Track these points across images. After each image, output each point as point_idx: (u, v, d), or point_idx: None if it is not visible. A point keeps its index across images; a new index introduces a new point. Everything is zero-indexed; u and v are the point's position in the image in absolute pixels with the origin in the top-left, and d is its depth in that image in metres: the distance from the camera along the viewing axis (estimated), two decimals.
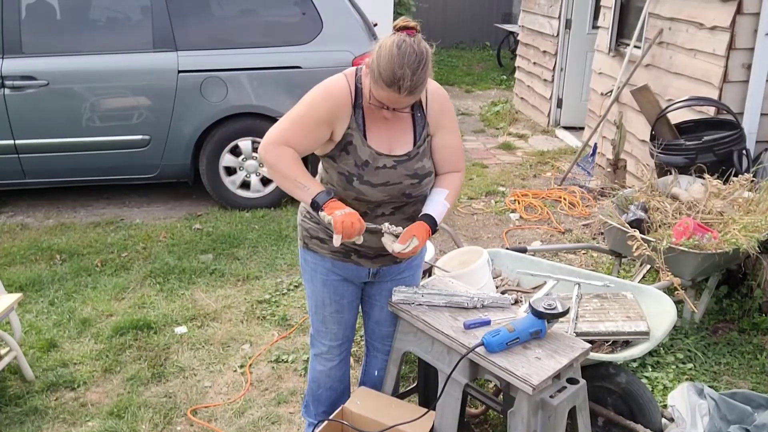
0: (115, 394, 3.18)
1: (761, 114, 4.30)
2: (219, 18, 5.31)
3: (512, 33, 11.55)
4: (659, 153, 4.14)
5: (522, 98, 8.63)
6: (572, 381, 2.15)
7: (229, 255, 4.55)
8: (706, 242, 3.29)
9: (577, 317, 2.73)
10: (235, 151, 5.21)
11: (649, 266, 3.84)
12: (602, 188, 4.99)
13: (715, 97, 4.34)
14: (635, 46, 5.46)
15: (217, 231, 4.90)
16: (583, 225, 5.11)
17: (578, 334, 2.64)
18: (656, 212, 3.63)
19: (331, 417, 2.45)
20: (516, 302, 2.85)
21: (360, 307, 2.62)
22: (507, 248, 3.41)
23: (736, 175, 3.76)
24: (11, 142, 4.94)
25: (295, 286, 4.11)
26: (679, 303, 3.28)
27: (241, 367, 3.39)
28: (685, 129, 4.36)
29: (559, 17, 7.41)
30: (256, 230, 4.91)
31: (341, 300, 2.48)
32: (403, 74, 2.01)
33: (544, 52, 7.86)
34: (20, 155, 4.99)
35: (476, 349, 2.14)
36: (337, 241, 2.15)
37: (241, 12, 5.32)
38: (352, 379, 2.81)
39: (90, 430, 2.96)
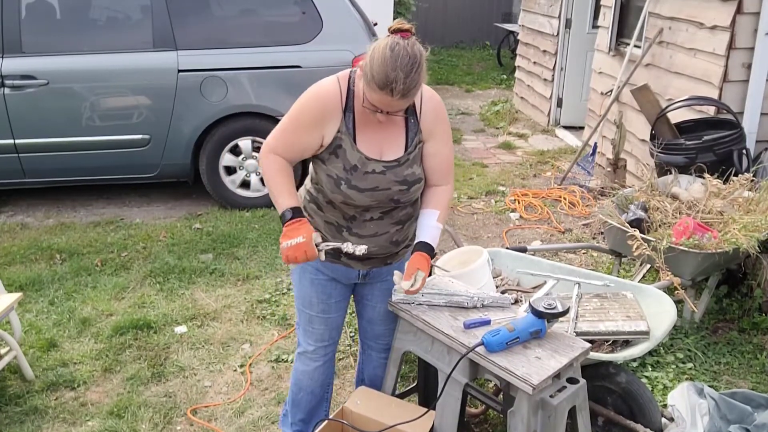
0: (115, 393, 3.18)
1: (761, 113, 4.30)
2: (219, 17, 5.31)
3: (512, 32, 11.55)
4: (659, 152, 4.14)
5: (522, 98, 8.63)
6: (572, 381, 2.15)
7: (229, 255, 4.55)
8: (706, 242, 3.29)
9: (577, 317, 2.73)
10: (235, 151, 5.21)
11: (649, 266, 3.84)
12: (602, 188, 4.99)
13: (715, 96, 4.34)
14: (635, 46, 5.46)
15: (217, 231, 4.90)
16: (583, 225, 5.11)
17: (578, 334, 2.64)
18: (656, 212, 3.63)
19: (331, 417, 2.45)
20: (516, 302, 2.85)
21: (355, 306, 2.62)
22: (507, 248, 3.41)
23: (736, 175, 3.76)
24: (11, 141, 4.94)
25: None
26: (679, 303, 3.28)
27: (241, 366, 3.39)
28: (685, 128, 4.36)
29: (559, 17, 7.41)
30: (256, 230, 4.91)
31: (329, 300, 2.46)
32: (396, 77, 1.99)
33: (544, 51, 7.86)
34: (20, 155, 4.99)
35: (476, 349, 2.14)
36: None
37: (241, 11, 5.32)
38: (349, 378, 2.81)
39: (90, 429, 2.96)
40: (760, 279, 3.51)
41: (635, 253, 3.34)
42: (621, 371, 2.64)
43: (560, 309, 2.16)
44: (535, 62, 8.17)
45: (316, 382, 2.61)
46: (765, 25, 4.12)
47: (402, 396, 2.73)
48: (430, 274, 3.18)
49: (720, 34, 4.32)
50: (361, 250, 2.21)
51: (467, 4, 13.49)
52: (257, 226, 4.98)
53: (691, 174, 3.88)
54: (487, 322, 2.29)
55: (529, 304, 2.21)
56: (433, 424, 2.33)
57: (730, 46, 4.24)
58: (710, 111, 4.40)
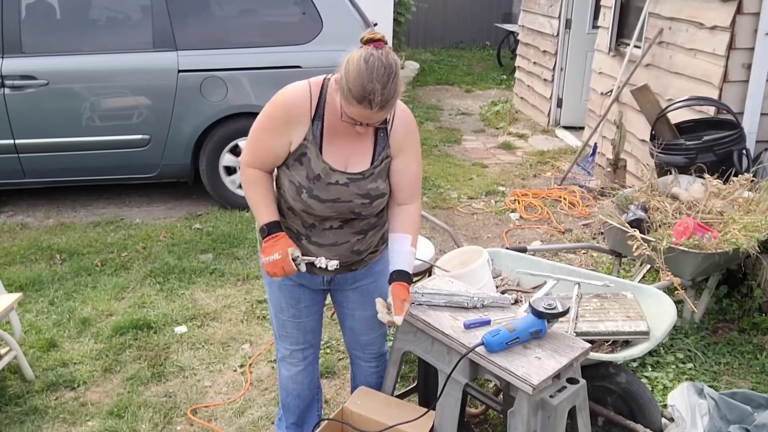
0: (115, 393, 3.18)
1: (761, 114, 4.30)
2: (219, 18, 5.31)
3: (512, 33, 11.55)
4: (659, 153, 4.14)
5: (522, 98, 8.63)
6: (572, 381, 2.15)
7: (229, 255, 4.55)
8: (706, 242, 3.29)
9: (577, 317, 2.73)
10: (235, 151, 5.21)
11: (649, 266, 3.84)
12: (602, 188, 4.98)
13: (715, 96, 4.34)
14: (635, 46, 5.46)
15: (217, 231, 4.90)
16: (583, 225, 5.11)
17: (578, 334, 2.64)
18: (656, 212, 3.63)
19: (331, 417, 2.45)
20: (516, 302, 2.85)
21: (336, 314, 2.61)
22: (507, 248, 3.41)
23: (736, 175, 3.76)
24: (11, 141, 4.94)
25: None
26: (679, 303, 3.28)
27: (241, 366, 3.39)
28: (685, 129, 4.36)
29: (559, 17, 7.41)
30: (255, 230, 4.90)
31: (298, 305, 2.45)
32: (373, 89, 1.94)
33: (544, 51, 7.87)
34: (20, 155, 4.99)
35: (476, 349, 2.14)
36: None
37: (241, 12, 5.32)
38: (349, 378, 2.80)
39: (90, 429, 2.96)
40: (760, 279, 3.51)
41: (635, 254, 3.34)
42: (621, 371, 2.64)
43: (560, 309, 2.16)
44: (535, 62, 8.17)
45: (302, 386, 2.61)
46: (765, 25, 4.12)
47: (402, 396, 2.73)
48: (431, 272, 3.19)
49: (720, 35, 4.32)
50: (333, 265, 2.22)
51: (467, 4, 13.49)
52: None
53: (691, 174, 3.88)
54: (487, 323, 2.29)
55: (529, 305, 2.21)
56: (433, 424, 2.33)
57: (730, 47, 4.24)
58: (710, 111, 4.40)
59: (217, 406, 3.11)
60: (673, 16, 4.90)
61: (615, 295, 2.88)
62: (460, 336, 2.23)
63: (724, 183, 3.72)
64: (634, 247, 3.33)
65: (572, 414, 2.17)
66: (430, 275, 3.17)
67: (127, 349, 3.51)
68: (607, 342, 2.78)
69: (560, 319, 2.21)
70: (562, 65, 7.54)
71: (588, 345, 2.22)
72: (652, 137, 4.32)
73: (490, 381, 2.67)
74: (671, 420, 2.67)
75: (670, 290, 3.36)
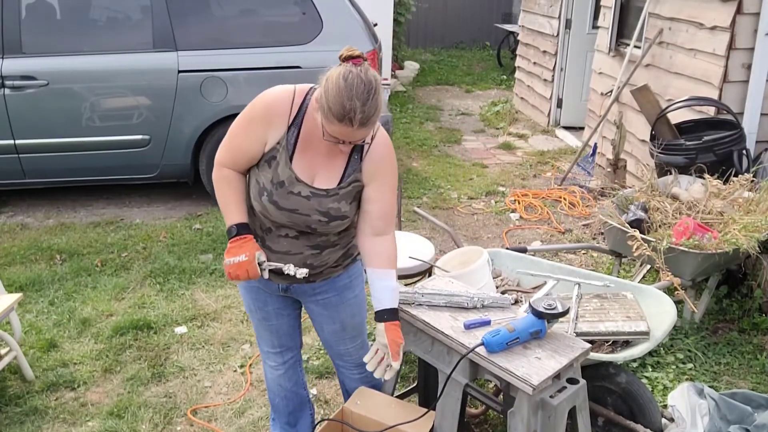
0: (115, 394, 3.18)
1: (761, 114, 4.30)
2: (219, 18, 5.31)
3: (512, 33, 11.55)
4: (659, 153, 4.14)
5: (522, 98, 8.63)
6: (572, 381, 2.15)
7: None
8: (706, 242, 3.29)
9: (577, 317, 2.73)
10: None
11: (649, 266, 3.84)
12: (602, 188, 4.98)
13: (715, 97, 4.34)
14: (635, 46, 5.46)
15: (217, 231, 4.90)
16: (583, 225, 5.11)
17: (578, 334, 2.64)
18: (656, 212, 3.63)
19: (331, 417, 2.45)
20: (516, 302, 2.84)
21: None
22: (507, 248, 3.41)
23: (736, 175, 3.76)
24: (11, 141, 4.95)
25: None
26: (679, 303, 3.28)
27: (241, 367, 3.39)
28: (685, 129, 4.36)
29: (559, 17, 7.41)
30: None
31: (265, 307, 2.43)
32: (353, 107, 1.91)
33: (544, 52, 7.86)
34: (20, 155, 4.99)
35: (476, 349, 2.14)
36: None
37: (241, 12, 5.32)
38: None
39: (90, 430, 2.96)
40: (760, 279, 3.51)
41: (635, 254, 3.34)
42: (621, 372, 2.64)
43: (560, 309, 2.16)
44: (535, 63, 8.17)
45: (287, 390, 2.60)
46: (765, 25, 4.12)
47: (402, 396, 2.73)
48: (431, 272, 3.19)
49: (720, 35, 4.32)
50: (302, 273, 2.17)
51: (467, 4, 13.49)
52: None
53: (691, 174, 3.88)
54: (487, 323, 2.29)
55: (529, 305, 2.21)
56: (433, 425, 2.33)
57: (730, 47, 4.24)
58: (710, 111, 4.40)
59: (217, 407, 3.11)
60: (673, 16, 4.90)
61: (615, 295, 2.88)
62: (460, 336, 2.23)
63: (724, 183, 3.72)
64: (634, 247, 3.33)
65: (572, 414, 2.17)
66: (430, 275, 3.17)
67: (127, 350, 3.51)
68: (607, 342, 2.78)
69: (560, 319, 2.21)
70: (562, 65, 7.54)
71: (588, 345, 2.21)
72: (652, 137, 4.32)
73: (490, 381, 2.66)
74: (671, 420, 2.67)
75: (670, 290, 3.36)
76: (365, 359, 2.25)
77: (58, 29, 5.09)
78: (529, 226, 5.13)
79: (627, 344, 2.73)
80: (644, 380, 3.17)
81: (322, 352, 3.46)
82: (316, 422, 2.75)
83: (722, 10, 4.29)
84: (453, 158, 6.74)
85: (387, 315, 2.21)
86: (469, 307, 2.39)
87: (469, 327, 2.26)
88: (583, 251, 4.55)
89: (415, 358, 3.00)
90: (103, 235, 4.85)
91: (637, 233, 3.38)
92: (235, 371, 3.36)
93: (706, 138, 4.07)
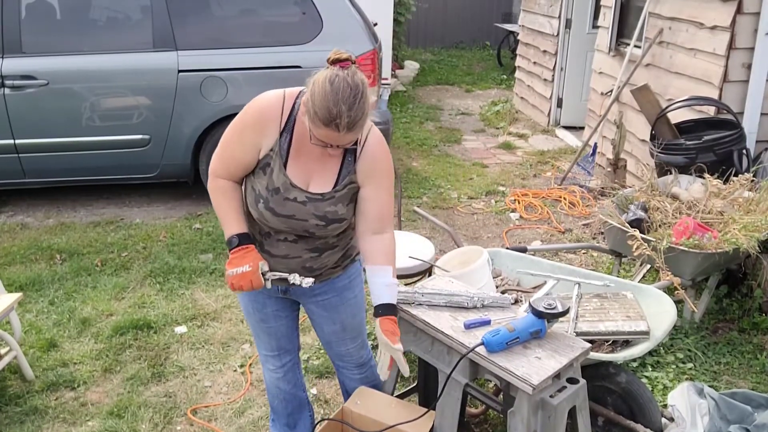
0: (115, 393, 3.18)
1: (761, 114, 4.30)
2: (219, 18, 5.31)
3: (512, 33, 11.55)
4: (659, 152, 4.14)
5: (522, 98, 8.63)
6: (572, 381, 2.15)
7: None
8: (706, 242, 3.29)
9: (577, 317, 2.73)
10: None
11: (649, 266, 3.84)
12: (602, 188, 4.99)
13: (715, 96, 4.34)
14: (635, 46, 5.46)
15: (217, 231, 4.90)
16: (583, 225, 5.11)
17: (578, 334, 2.64)
18: (656, 212, 3.63)
19: (331, 417, 2.45)
20: (516, 302, 2.84)
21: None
22: (507, 248, 3.41)
23: (736, 175, 3.76)
24: (11, 141, 4.95)
25: None
26: (679, 303, 3.28)
27: (241, 366, 3.39)
28: (685, 128, 4.36)
29: (559, 17, 7.41)
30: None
31: (264, 309, 2.42)
32: (339, 111, 1.89)
33: (545, 51, 7.86)
34: (20, 155, 4.99)
35: (476, 349, 2.14)
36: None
37: (241, 12, 5.32)
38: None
39: (90, 429, 2.96)
40: (760, 279, 3.51)
41: (635, 253, 3.34)
42: (621, 371, 2.64)
43: (560, 309, 2.16)
44: (535, 62, 8.17)
45: (285, 392, 2.60)
46: (765, 25, 4.12)
47: (402, 396, 2.73)
48: (431, 272, 3.19)
49: (720, 35, 4.32)
50: (307, 282, 2.16)
51: (467, 4, 13.49)
52: None
53: (691, 174, 3.88)
54: (487, 322, 2.29)
55: (529, 304, 2.21)
56: (433, 424, 2.33)
57: (730, 46, 4.24)
58: (710, 111, 4.40)
59: (217, 406, 3.11)
60: (673, 16, 4.90)
61: (615, 295, 2.88)
62: (460, 336, 2.23)
63: (724, 183, 3.72)
64: (634, 247, 3.33)
65: (572, 414, 2.17)
66: (430, 275, 3.17)
67: (127, 349, 3.51)
68: (607, 342, 2.78)
69: (560, 319, 2.21)
70: (562, 65, 7.54)
71: (588, 345, 2.21)
72: (652, 137, 4.32)
73: (490, 381, 2.67)
74: (671, 420, 2.67)
75: (670, 290, 3.36)
76: (379, 371, 2.22)
77: (58, 29, 5.09)
78: (529, 225, 5.13)
79: (627, 344, 2.73)
80: (644, 380, 3.17)
81: (321, 352, 3.46)
82: (316, 422, 2.75)
83: (722, 10, 4.29)
84: (453, 158, 6.74)
85: (383, 310, 2.20)
86: (469, 306, 2.39)
87: (469, 327, 2.26)
88: (583, 251, 4.55)
89: (415, 358, 3.00)
90: (103, 235, 4.85)
91: (637, 233, 3.38)
92: (235, 371, 3.36)
93: (706, 138, 4.07)
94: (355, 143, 2.13)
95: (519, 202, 5.49)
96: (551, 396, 2.08)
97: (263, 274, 2.17)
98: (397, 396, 2.60)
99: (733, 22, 4.20)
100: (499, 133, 7.74)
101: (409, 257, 3.22)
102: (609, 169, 5.32)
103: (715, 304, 3.74)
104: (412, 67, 10.94)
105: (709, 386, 2.83)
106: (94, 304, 3.90)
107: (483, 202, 5.57)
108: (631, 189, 4.08)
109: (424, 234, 4.54)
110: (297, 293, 2.37)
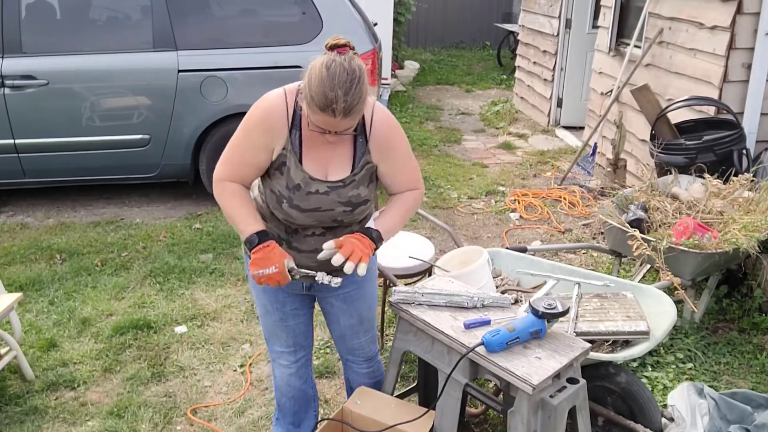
0: (115, 393, 3.18)
1: (761, 114, 4.30)
2: (219, 18, 5.31)
3: (512, 33, 11.55)
4: (659, 152, 4.14)
5: (522, 98, 8.63)
6: (572, 381, 2.15)
7: (229, 255, 4.55)
8: (706, 242, 3.29)
9: (577, 317, 2.73)
10: None
11: (649, 266, 3.84)
12: (602, 188, 4.99)
13: (715, 96, 4.34)
14: (635, 46, 5.46)
15: (217, 231, 4.90)
16: (583, 225, 5.11)
17: (578, 334, 2.64)
18: (656, 212, 3.63)
19: (331, 417, 2.45)
20: (516, 302, 2.85)
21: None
22: (507, 248, 3.41)
23: (736, 175, 3.76)
24: (11, 141, 4.95)
25: None
26: (679, 303, 3.28)
27: (241, 366, 3.39)
28: (685, 128, 4.36)
29: (559, 17, 7.41)
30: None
31: (283, 308, 2.43)
32: (336, 96, 1.89)
33: (544, 51, 7.87)
34: (20, 155, 5.00)
35: (476, 349, 2.14)
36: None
37: (241, 12, 5.32)
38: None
39: (90, 429, 2.96)
40: (760, 279, 3.51)
41: (635, 253, 3.34)
42: (621, 371, 2.64)
43: (560, 309, 2.16)
44: (535, 62, 8.17)
45: (295, 389, 2.60)
46: (765, 25, 4.12)
47: (402, 396, 2.73)
48: (431, 272, 3.19)
49: (720, 35, 4.32)
50: (336, 282, 2.16)
51: (467, 4, 13.49)
52: None
53: (691, 174, 3.88)
54: (487, 322, 2.29)
55: (529, 304, 2.21)
56: (433, 424, 2.33)
57: (730, 47, 4.24)
58: (710, 111, 4.40)
59: (217, 406, 3.11)
60: (673, 16, 4.90)
61: (615, 295, 2.88)
62: (460, 336, 2.23)
63: (724, 183, 3.72)
64: (634, 247, 3.33)
65: (572, 414, 2.17)
66: (430, 275, 3.17)
67: (127, 349, 3.51)
68: (607, 342, 2.78)
69: (560, 319, 2.21)
70: (562, 65, 7.54)
71: (588, 345, 2.21)
72: (652, 137, 4.32)
73: (490, 381, 2.67)
74: (671, 420, 2.67)
75: (670, 290, 3.36)
76: (325, 246, 2.17)
77: (58, 29, 5.09)
78: (529, 225, 5.13)
79: (627, 344, 2.72)
80: (644, 380, 3.17)
81: (322, 351, 3.46)
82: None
83: (722, 10, 4.29)
84: (453, 158, 6.74)
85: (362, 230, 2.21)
86: (469, 306, 2.39)
87: (469, 327, 2.26)
88: (583, 251, 4.55)
89: (415, 358, 3.00)
90: (103, 235, 4.85)
91: (637, 233, 3.38)
92: (235, 371, 3.36)
93: (706, 138, 4.07)
94: (363, 127, 2.14)
95: (519, 202, 5.50)
96: (551, 396, 2.08)
97: (290, 271, 2.16)
98: (397, 396, 2.60)
99: (733, 22, 4.20)
100: (499, 133, 7.74)
101: (409, 257, 3.22)
102: (609, 169, 5.32)
103: (715, 304, 3.74)
104: (412, 67, 10.94)
105: (709, 386, 2.83)
106: (94, 304, 3.91)
107: (483, 202, 5.57)
108: (631, 189, 4.08)
109: (424, 234, 4.54)
110: (321, 288, 2.38)
